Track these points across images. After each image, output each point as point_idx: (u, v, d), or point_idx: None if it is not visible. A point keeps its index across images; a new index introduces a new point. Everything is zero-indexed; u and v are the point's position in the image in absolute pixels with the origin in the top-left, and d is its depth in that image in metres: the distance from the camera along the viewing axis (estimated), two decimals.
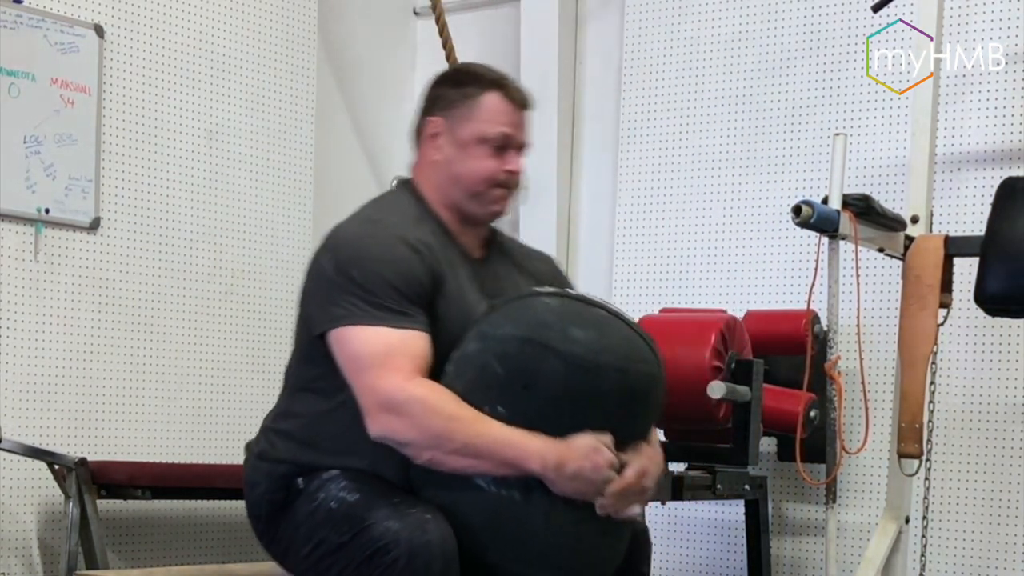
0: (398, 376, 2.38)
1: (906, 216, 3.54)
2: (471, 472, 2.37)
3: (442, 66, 4.72)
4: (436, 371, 2.44)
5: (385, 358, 2.39)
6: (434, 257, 2.50)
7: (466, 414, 2.36)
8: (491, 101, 2.58)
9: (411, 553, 2.28)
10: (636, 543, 2.58)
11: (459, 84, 2.62)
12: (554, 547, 2.39)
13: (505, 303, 2.49)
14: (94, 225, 4.08)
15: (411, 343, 2.42)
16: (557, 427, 2.35)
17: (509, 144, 2.59)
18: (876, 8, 3.70)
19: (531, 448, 2.34)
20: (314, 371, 2.54)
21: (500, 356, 2.39)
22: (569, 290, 2.54)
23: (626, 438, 2.41)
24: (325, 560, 2.42)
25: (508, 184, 2.60)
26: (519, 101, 2.62)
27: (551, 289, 2.53)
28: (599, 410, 2.38)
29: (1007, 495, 3.85)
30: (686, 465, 3.78)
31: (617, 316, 2.43)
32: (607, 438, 2.37)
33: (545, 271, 2.76)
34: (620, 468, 2.39)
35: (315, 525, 2.45)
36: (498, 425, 2.36)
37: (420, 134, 2.65)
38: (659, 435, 2.56)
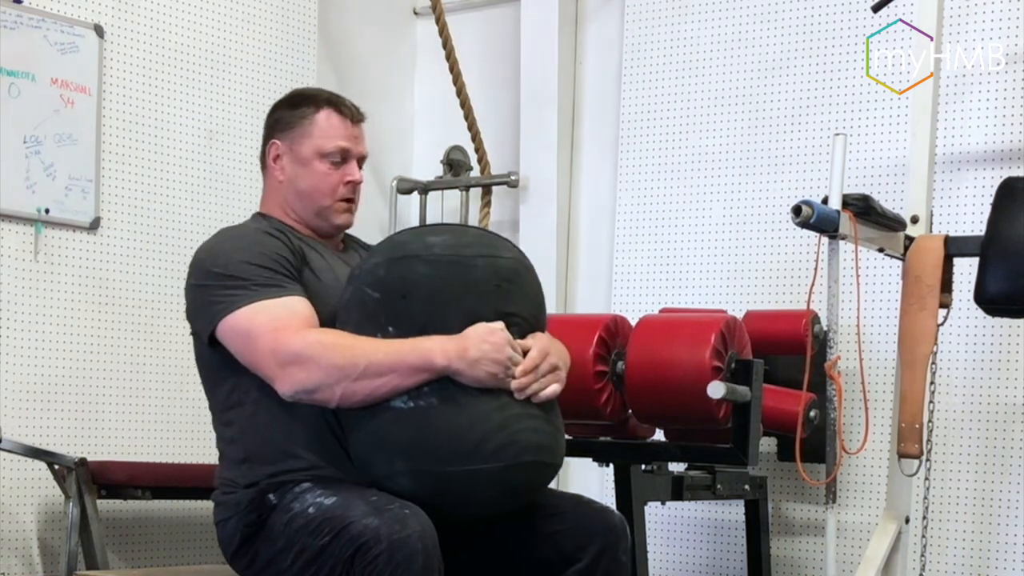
0: (289, 332, 2.48)
1: (906, 216, 3.54)
2: (384, 393, 2.44)
3: (442, 66, 4.74)
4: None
5: (273, 321, 2.49)
6: (292, 240, 2.64)
7: (360, 340, 2.47)
8: (325, 118, 2.75)
9: (392, 548, 2.30)
10: (614, 533, 2.61)
11: (295, 106, 2.78)
12: (487, 437, 2.45)
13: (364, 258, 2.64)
14: (94, 225, 4.08)
15: (293, 306, 2.53)
16: (447, 326, 2.47)
17: (348, 157, 2.76)
18: (876, 8, 3.70)
19: (431, 346, 2.44)
20: (224, 387, 2.62)
21: (372, 283, 2.51)
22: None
23: (519, 327, 2.53)
24: (310, 567, 2.44)
25: (350, 196, 2.77)
26: (352, 115, 2.79)
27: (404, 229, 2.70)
28: (480, 300, 2.50)
29: (1007, 495, 3.85)
30: (686, 465, 3.78)
31: (466, 225, 2.65)
32: (499, 324, 2.48)
33: None
34: (524, 354, 2.50)
35: (293, 533, 2.47)
36: (394, 341, 2.46)
37: (264, 160, 2.79)
38: (556, 341, 2.67)
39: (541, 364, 2.51)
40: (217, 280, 2.57)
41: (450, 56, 4.68)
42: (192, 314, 2.67)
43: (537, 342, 2.54)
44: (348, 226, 2.81)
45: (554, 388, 2.54)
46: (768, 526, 4.01)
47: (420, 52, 5.20)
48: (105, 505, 3.87)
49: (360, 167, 2.81)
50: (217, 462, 2.72)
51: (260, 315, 2.51)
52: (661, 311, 4.08)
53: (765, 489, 3.98)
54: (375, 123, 5.06)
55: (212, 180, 4.41)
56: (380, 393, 2.44)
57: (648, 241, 4.53)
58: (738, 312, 3.88)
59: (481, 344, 2.44)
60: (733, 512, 4.23)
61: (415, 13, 5.22)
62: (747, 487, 3.85)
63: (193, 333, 2.69)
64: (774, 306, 4.18)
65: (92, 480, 3.72)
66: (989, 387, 3.89)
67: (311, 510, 2.46)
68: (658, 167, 4.53)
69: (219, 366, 2.61)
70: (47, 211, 3.96)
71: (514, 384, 2.48)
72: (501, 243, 2.61)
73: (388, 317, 2.49)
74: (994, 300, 3.35)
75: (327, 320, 2.55)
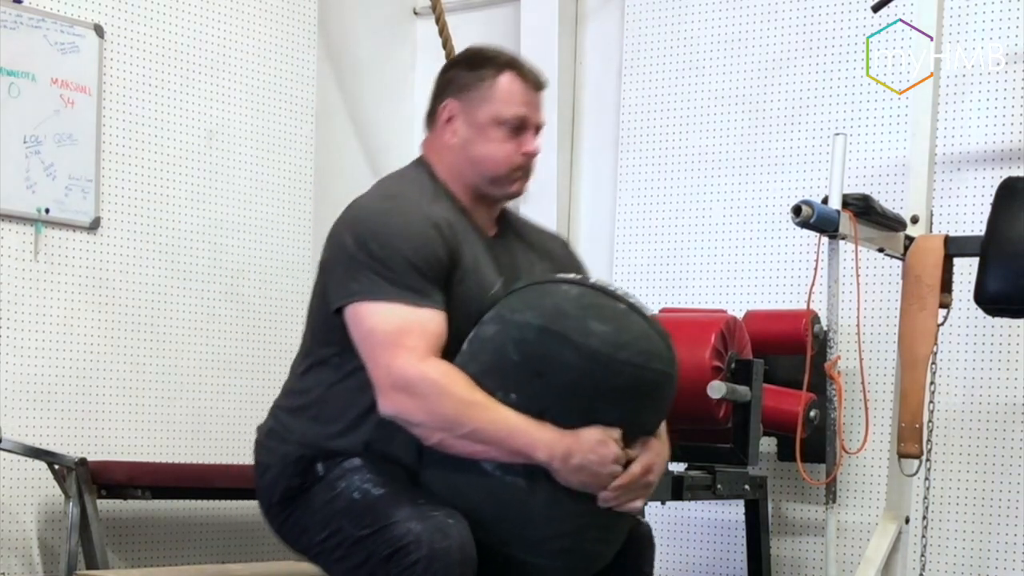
0: (412, 356, 2.37)
1: (906, 216, 3.54)
2: (479, 457, 2.37)
3: (442, 66, 4.74)
4: (452, 348, 2.44)
5: (400, 336, 2.38)
6: (452, 233, 2.49)
7: (478, 399, 2.36)
8: (506, 82, 2.57)
9: (431, 557, 2.27)
10: (640, 543, 2.59)
11: (473, 67, 2.60)
12: (552, 536, 2.40)
13: (525, 287, 2.49)
14: (94, 225, 4.08)
15: (427, 322, 2.41)
16: (567, 418, 2.36)
17: (525, 125, 2.58)
18: (876, 8, 3.70)
19: (540, 438, 2.34)
20: (330, 348, 2.53)
21: (517, 342, 2.38)
22: (590, 278, 2.52)
23: (635, 432, 2.42)
24: (340, 550, 2.41)
25: (525, 166, 2.60)
26: (534, 81, 2.60)
27: (572, 277, 2.51)
28: (611, 405, 2.38)
29: (1007, 495, 3.85)
30: (686, 465, 3.78)
31: (636, 310, 2.42)
32: (616, 432, 2.37)
33: (557, 251, 2.75)
34: (626, 463, 2.39)
35: (333, 513, 2.43)
36: (509, 412, 2.35)
37: (434, 118, 2.64)
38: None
39: (639, 480, 2.42)
40: (369, 258, 2.43)
41: (450, 56, 4.67)
42: (327, 273, 2.54)
43: (644, 456, 2.42)
44: (519, 195, 2.65)
45: (638, 504, 2.47)
46: (768, 526, 4.01)
47: (420, 52, 5.20)
48: (105, 505, 3.86)
49: (537, 136, 2.61)
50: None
51: (390, 319, 2.40)
52: (661, 311, 4.08)
53: (765, 489, 3.98)
54: (375, 123, 5.11)
55: (212, 180, 4.41)
56: (475, 456, 2.38)
57: (648, 241, 4.53)
58: (738, 312, 3.89)
59: (588, 454, 2.34)
60: (733, 512, 4.23)
61: (415, 13, 5.22)
62: (747, 487, 3.85)
63: (319, 287, 2.58)
64: (774, 306, 4.18)
65: (92, 480, 3.71)
66: (989, 387, 3.89)
67: (356, 495, 2.42)
68: (658, 167, 4.53)
69: (337, 328, 2.49)
70: (47, 211, 3.96)
71: (603, 495, 2.39)
72: (659, 349, 2.42)
73: (516, 384, 2.38)
74: (994, 300, 3.35)
75: (459, 326, 2.45)
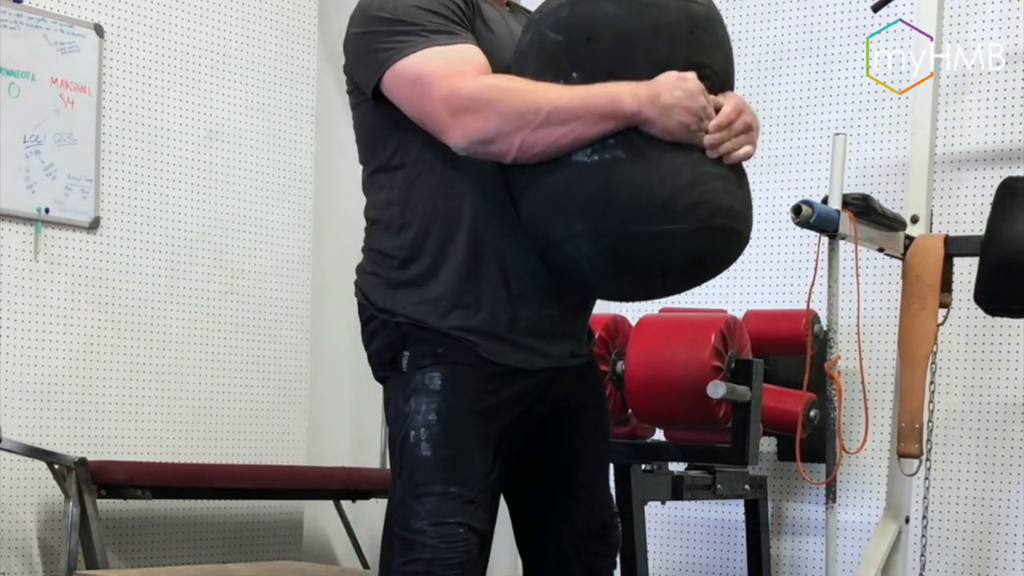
0: (464, 77, 2.25)
1: (906, 216, 3.54)
2: (567, 144, 2.22)
3: None
4: None
5: (446, 67, 2.26)
6: None
7: (542, 85, 2.24)
8: None
9: (431, 561, 2.28)
10: (607, 526, 2.54)
11: None
12: (675, 192, 2.22)
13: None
14: (94, 225, 4.08)
15: (468, 53, 2.30)
16: (636, 71, 2.22)
17: None
18: (876, 8, 3.70)
19: (621, 90, 2.20)
20: (389, 149, 2.41)
21: (554, 25, 2.25)
22: None
23: (710, 81, 2.28)
24: (395, 466, 2.37)
25: None
26: None
27: None
28: (671, 45, 2.24)
29: (1007, 495, 3.85)
30: (686, 465, 3.78)
31: None
32: (691, 73, 2.24)
33: None
34: (716, 110, 2.27)
35: (395, 427, 2.37)
36: (579, 87, 2.22)
37: None
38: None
39: (736, 121, 2.28)
40: (384, 25, 2.32)
41: None
42: (354, 64, 2.41)
43: (731, 99, 2.29)
44: None
45: (748, 149, 2.33)
46: (768, 526, 4.01)
47: None
48: (105, 505, 3.86)
49: None
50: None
51: (432, 60, 2.26)
52: (661, 311, 4.08)
53: (765, 489, 3.98)
54: None
55: (212, 180, 4.41)
56: (563, 143, 2.22)
57: None
58: (738, 312, 3.88)
59: (674, 91, 2.20)
60: (733, 512, 4.23)
61: None
62: (747, 487, 3.85)
63: (352, 90, 2.45)
64: (774, 306, 4.18)
65: (92, 480, 3.71)
66: (989, 387, 3.89)
67: (412, 435, 2.32)
68: None
69: (384, 124, 2.38)
70: (47, 211, 3.96)
71: (707, 139, 2.24)
72: None
73: (571, 61, 2.23)
74: (994, 300, 3.35)
75: (501, 72, 2.31)
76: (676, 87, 2.20)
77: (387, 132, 2.39)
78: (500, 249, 2.36)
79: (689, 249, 2.26)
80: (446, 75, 2.25)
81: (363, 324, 2.46)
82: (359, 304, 2.46)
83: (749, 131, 2.32)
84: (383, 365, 2.42)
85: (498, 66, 2.31)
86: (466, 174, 2.33)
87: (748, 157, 2.35)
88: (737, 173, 2.35)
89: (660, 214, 2.20)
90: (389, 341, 2.40)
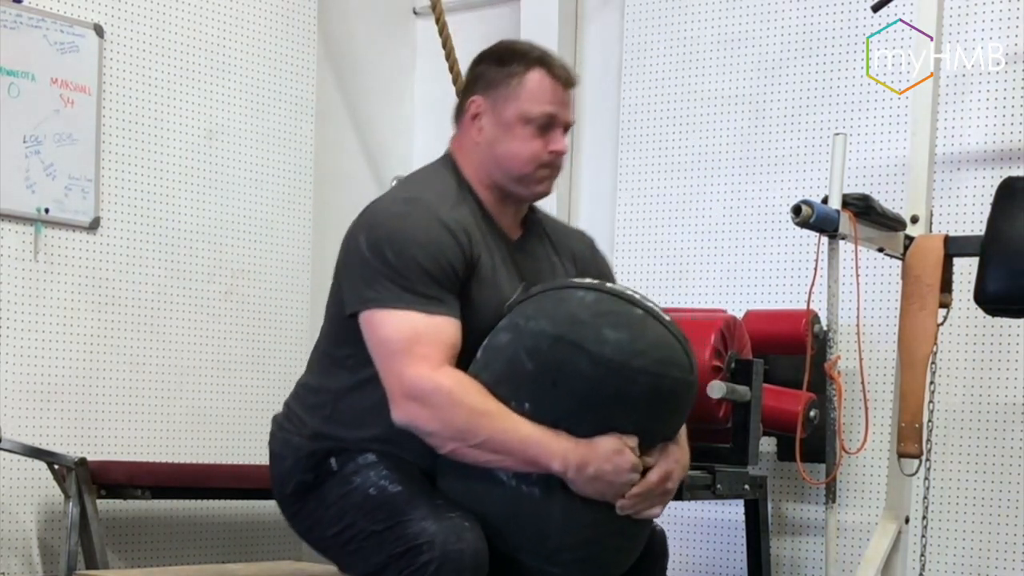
0: (425, 365, 2.35)
1: (906, 216, 3.54)
2: (493, 466, 2.35)
3: (442, 66, 4.74)
4: (467, 355, 2.42)
5: (413, 344, 2.36)
6: (471, 240, 2.46)
7: (491, 408, 2.34)
8: (535, 80, 2.51)
9: (443, 559, 2.27)
10: (653, 550, 2.56)
11: (502, 62, 2.55)
12: (570, 545, 2.37)
13: (541, 292, 2.45)
14: (94, 225, 4.08)
15: (441, 330, 2.38)
16: (582, 427, 2.33)
17: (553, 123, 2.53)
18: (876, 8, 3.70)
19: (554, 448, 2.31)
20: (344, 349, 2.51)
21: (530, 351, 2.35)
22: (605, 283, 2.47)
23: (653, 439, 2.40)
24: (353, 543, 2.41)
25: (553, 164, 2.55)
26: (564, 79, 2.55)
27: (588, 281, 2.47)
28: (627, 413, 2.35)
29: (1007, 495, 3.85)
30: None
31: (653, 315, 2.37)
32: (632, 440, 2.35)
33: (581, 250, 2.73)
34: (644, 470, 2.37)
35: (347, 508, 2.43)
36: (523, 422, 2.33)
37: (462, 113, 2.60)
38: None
39: (656, 488, 2.40)
40: (384, 266, 2.40)
41: (450, 56, 4.67)
42: (345, 274, 2.49)
43: (662, 463, 2.40)
44: (546, 195, 2.60)
45: (657, 511, 2.44)
46: (768, 526, 4.01)
47: (420, 52, 5.20)
48: (105, 505, 3.86)
49: (565, 134, 2.56)
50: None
51: (405, 327, 2.36)
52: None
53: (765, 489, 3.98)
54: (375, 122, 5.11)
55: (212, 180, 4.41)
56: (489, 465, 2.36)
57: (648, 241, 4.53)
58: (738, 312, 3.89)
59: (604, 463, 2.31)
60: (733, 512, 4.23)
61: (415, 13, 5.22)
62: (747, 487, 3.85)
63: (335, 289, 2.55)
64: (774, 306, 4.18)
65: (92, 480, 3.71)
66: (989, 387, 3.89)
67: (372, 491, 2.41)
68: (658, 166, 4.53)
69: (352, 330, 2.46)
70: (47, 211, 3.96)
71: (620, 503, 2.37)
72: (676, 355, 2.38)
73: (529, 394, 2.35)
74: (994, 300, 3.35)
75: (475, 335, 2.42)
76: (607, 460, 2.32)
77: (351, 339, 2.48)
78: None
79: None
80: (408, 353, 2.36)
81: (279, 460, 2.57)
82: (272, 451, 2.58)
83: (666, 495, 2.43)
84: (309, 484, 2.51)
85: (475, 328, 2.42)
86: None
87: (656, 516, 2.47)
88: (639, 523, 2.46)
89: (547, 558, 2.39)
90: (313, 452, 2.51)
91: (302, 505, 2.54)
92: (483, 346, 2.43)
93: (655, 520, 2.57)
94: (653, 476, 2.38)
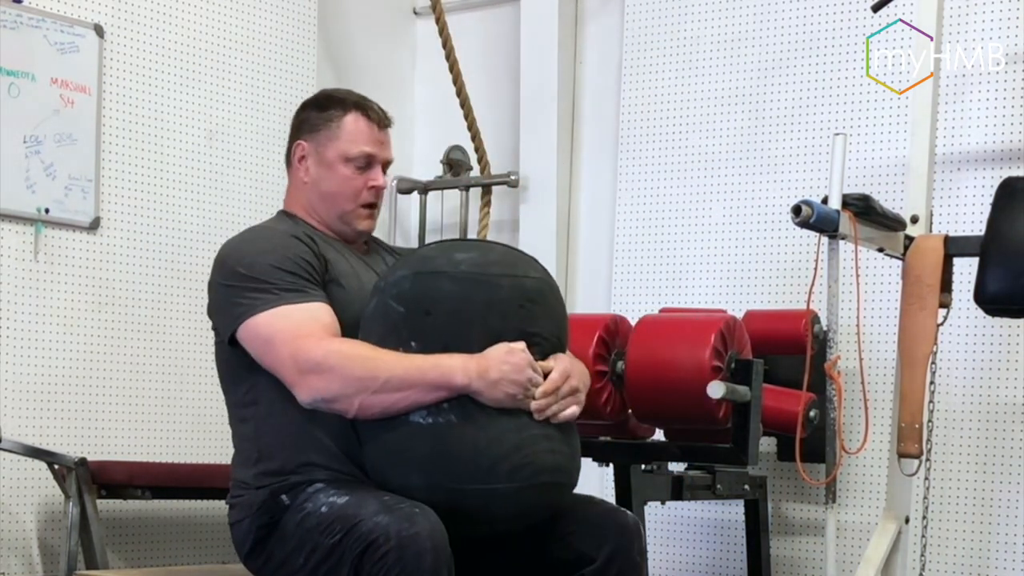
0: (312, 340, 2.48)
1: (906, 216, 3.54)
2: (402, 407, 2.44)
3: (442, 66, 4.74)
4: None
5: (296, 327, 2.50)
6: (315, 242, 2.64)
7: (382, 353, 2.47)
8: (352, 121, 2.74)
9: (401, 545, 2.30)
10: (627, 533, 2.59)
11: (322, 107, 2.78)
12: (502, 455, 2.45)
13: (392, 265, 2.66)
14: (94, 225, 4.08)
15: (316, 313, 2.54)
16: (470, 345, 2.47)
17: (372, 162, 2.75)
18: (876, 8, 3.70)
19: (452, 364, 2.44)
20: (242, 387, 2.63)
21: (397, 296, 2.51)
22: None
23: (541, 347, 2.53)
24: (322, 566, 2.45)
25: (373, 201, 2.76)
26: (378, 120, 2.77)
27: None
28: (502, 318, 2.50)
29: (1007, 495, 3.85)
30: (686, 465, 3.78)
31: (494, 243, 2.63)
32: (520, 344, 2.48)
33: None
34: (545, 376, 2.50)
35: (305, 533, 2.48)
36: (416, 355, 2.46)
37: (289, 159, 2.82)
38: (577, 360, 2.68)
39: (562, 386, 2.52)
40: (241, 281, 2.57)
41: (450, 56, 4.68)
42: (213, 311, 2.67)
43: (559, 364, 2.54)
44: (369, 231, 2.82)
45: (573, 410, 2.55)
46: (768, 526, 4.01)
47: (420, 52, 5.20)
48: (105, 505, 3.87)
49: (384, 172, 2.80)
50: (230, 462, 2.73)
51: (282, 321, 2.51)
52: (661, 311, 4.08)
53: (765, 489, 3.98)
54: None
55: (212, 180, 4.41)
56: (399, 407, 2.45)
57: (648, 241, 4.53)
58: (738, 312, 3.88)
59: (501, 365, 2.44)
60: (733, 512, 4.23)
61: (415, 13, 5.22)
62: (747, 487, 3.85)
63: (214, 329, 2.69)
64: (774, 306, 4.18)
65: (92, 480, 3.72)
66: (989, 387, 3.89)
67: (323, 509, 2.46)
68: (658, 167, 4.53)
69: (237, 365, 2.62)
70: (47, 211, 3.96)
71: (533, 405, 2.48)
72: (527, 262, 2.59)
73: (411, 332, 2.49)
74: (994, 300, 3.35)
75: (350, 327, 2.55)
76: (503, 361, 2.45)
77: (242, 373, 2.61)
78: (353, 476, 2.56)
79: (513, 505, 2.48)
80: (294, 336, 2.49)
81: (237, 520, 2.64)
82: (231, 527, 2.67)
83: (575, 393, 2.55)
84: (265, 532, 2.57)
85: (347, 319, 2.56)
86: (316, 416, 2.54)
87: (574, 417, 2.57)
88: (563, 430, 2.56)
89: (486, 476, 2.44)
90: (265, 504, 2.58)
91: (268, 555, 2.59)
92: (361, 324, 2.56)
93: (626, 512, 2.66)
94: (555, 374, 2.51)
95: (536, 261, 2.62)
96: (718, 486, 3.70)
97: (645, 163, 4.56)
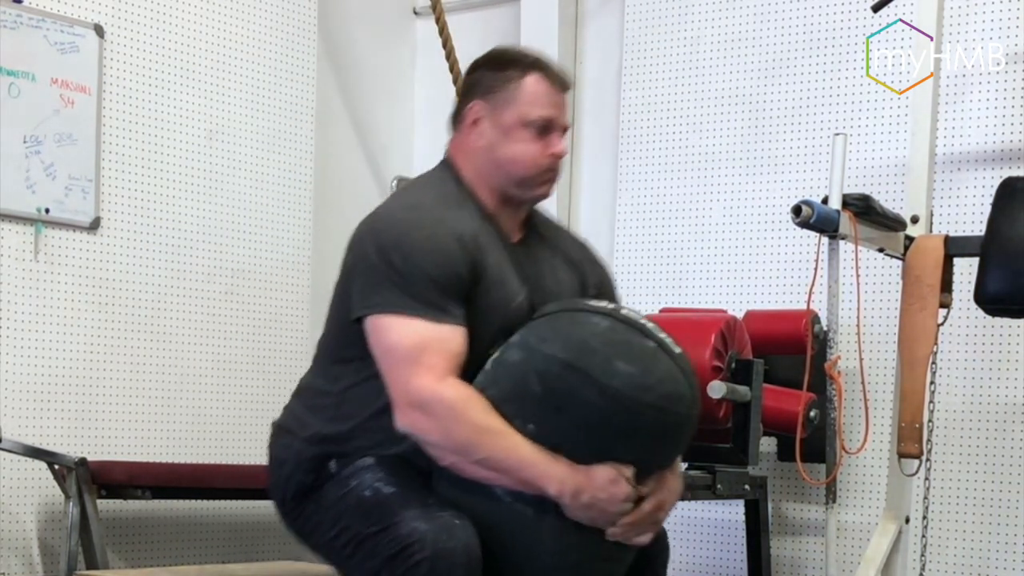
0: (430, 376, 2.37)
1: (906, 216, 3.54)
2: (490, 483, 2.38)
3: (442, 66, 4.74)
4: (473, 362, 2.44)
5: (419, 354, 2.38)
6: (475, 245, 2.48)
7: (493, 426, 2.36)
8: (532, 83, 2.55)
9: (435, 557, 2.28)
10: (656, 546, 2.57)
11: (499, 67, 2.59)
12: (558, 566, 2.40)
13: (555, 312, 2.48)
14: (94, 225, 4.08)
15: (447, 339, 2.40)
16: (582, 454, 2.36)
17: (551, 127, 2.56)
18: (876, 8, 3.70)
19: (552, 472, 2.34)
20: (349, 350, 2.51)
21: (540, 374, 2.37)
22: (620, 309, 2.47)
23: (650, 469, 2.42)
24: (349, 547, 2.42)
25: (553, 168, 2.59)
26: (560, 82, 2.59)
27: (603, 306, 2.48)
28: (629, 445, 2.37)
29: (1007, 495, 3.85)
30: (686, 465, 3.78)
31: (664, 348, 2.39)
32: (628, 471, 2.37)
33: (580, 258, 2.74)
34: (638, 499, 2.39)
35: (344, 510, 2.44)
36: (524, 443, 2.35)
37: (460, 119, 2.62)
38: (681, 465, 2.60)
39: (648, 517, 2.43)
40: (391, 271, 2.41)
41: (450, 56, 4.67)
42: (351, 279, 2.50)
43: (656, 494, 2.43)
44: (546, 198, 2.64)
45: (646, 538, 2.46)
46: (768, 526, 4.01)
47: (420, 52, 5.20)
48: (105, 505, 3.86)
49: (563, 137, 2.59)
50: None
51: (409, 335, 2.39)
52: (661, 311, 4.08)
53: (765, 489, 3.98)
54: (375, 123, 5.11)
55: (212, 180, 4.41)
56: (486, 482, 2.38)
57: (648, 241, 4.53)
58: (738, 312, 3.89)
59: (599, 492, 2.34)
60: (733, 512, 4.23)
61: (415, 13, 5.22)
62: (747, 487, 3.85)
63: (340, 290, 2.55)
64: (774, 306, 4.18)
65: (92, 480, 3.71)
66: (989, 387, 3.89)
67: (367, 493, 2.42)
68: (658, 167, 4.53)
69: (354, 334, 2.48)
70: (47, 211, 3.96)
71: (611, 530, 2.40)
72: (683, 391, 2.40)
73: (534, 416, 2.37)
74: (994, 300, 3.35)
75: (482, 339, 2.44)
76: (603, 489, 2.35)
77: (357, 341, 2.48)
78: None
79: None
80: (414, 361, 2.38)
81: (279, 466, 2.57)
82: (272, 456, 2.59)
83: (657, 524, 2.47)
84: (308, 485, 2.52)
85: (482, 334, 2.44)
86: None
87: (644, 544, 2.47)
88: (627, 548, 2.47)
89: None
90: (314, 457, 2.52)
91: (302, 509, 2.55)
92: (493, 359, 2.44)
93: None
94: (647, 506, 2.41)
95: (693, 381, 2.42)
96: (718, 486, 3.70)
97: (645, 163, 4.56)
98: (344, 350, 2.54)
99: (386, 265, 2.42)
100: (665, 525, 2.57)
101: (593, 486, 2.34)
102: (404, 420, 2.39)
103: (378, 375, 2.44)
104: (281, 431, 2.61)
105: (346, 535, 2.43)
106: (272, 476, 2.60)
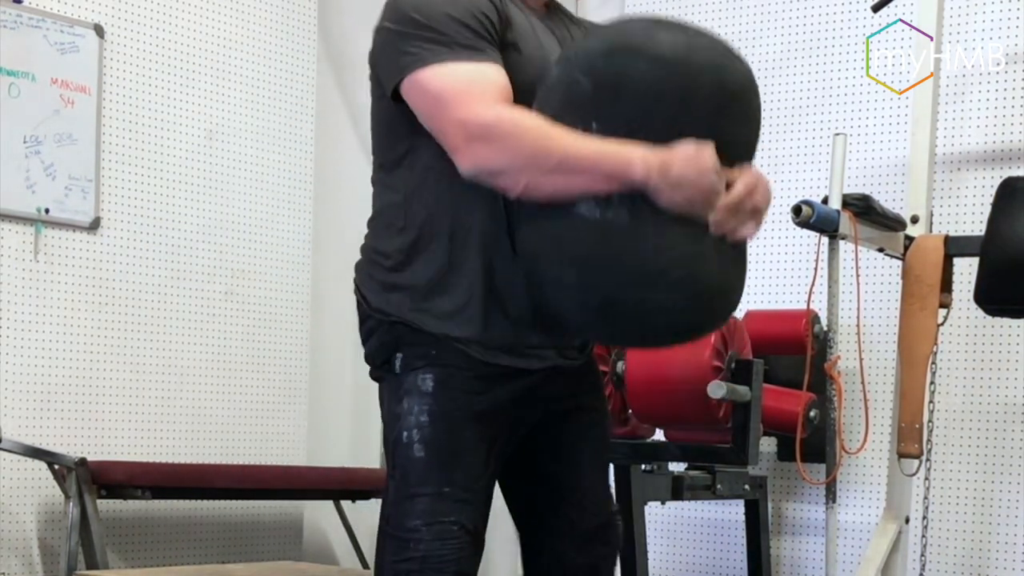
0: (482, 104, 2.23)
1: (906, 216, 3.54)
2: (571, 192, 2.21)
3: None
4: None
5: (467, 87, 2.24)
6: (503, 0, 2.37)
7: (559, 131, 2.21)
8: None
9: (425, 558, 2.29)
10: (609, 537, 2.54)
11: None
12: (672, 263, 2.21)
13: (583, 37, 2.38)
14: (94, 225, 4.08)
15: (489, 75, 2.27)
16: (655, 134, 2.20)
17: None
18: (876, 8, 3.70)
19: (633, 155, 2.17)
20: (400, 146, 2.42)
21: (586, 70, 2.23)
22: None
23: (729, 153, 2.26)
24: (390, 466, 2.38)
25: None
26: None
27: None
28: (695, 115, 2.23)
29: (1007, 495, 3.85)
30: (686, 465, 3.78)
31: (703, 31, 2.30)
32: (709, 146, 2.21)
33: None
34: (728, 186, 2.24)
35: (391, 434, 2.37)
36: (594, 139, 2.20)
37: None
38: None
39: (744, 201, 2.24)
40: (414, 27, 2.30)
41: None
42: (378, 58, 2.43)
43: (745, 176, 2.26)
44: None
45: (751, 230, 2.28)
46: (768, 526, 4.01)
47: None
48: (105, 505, 3.86)
49: None
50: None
51: (453, 78, 2.24)
52: None
53: (765, 489, 3.98)
54: None
55: (212, 180, 4.41)
56: (567, 192, 2.20)
57: None
58: (738, 312, 3.88)
59: (686, 165, 2.16)
60: (733, 512, 4.23)
61: None
62: (747, 487, 3.85)
63: (374, 79, 2.47)
64: (774, 306, 4.18)
65: (92, 480, 3.71)
66: (989, 387, 3.89)
67: (404, 437, 2.33)
68: None
69: (398, 123, 2.39)
70: (47, 211, 3.96)
71: (712, 218, 2.20)
72: (734, 53, 2.31)
73: (595, 112, 2.20)
74: (994, 300, 3.35)
75: (523, 95, 2.29)
76: (689, 162, 2.17)
77: (402, 132, 2.38)
78: (498, 269, 2.35)
79: (671, 322, 2.26)
80: (465, 97, 2.23)
81: (360, 322, 2.46)
82: (357, 301, 2.46)
83: (756, 212, 2.28)
84: (377, 366, 2.42)
85: (522, 86, 2.29)
86: (474, 190, 2.30)
87: (750, 237, 2.31)
88: (736, 251, 2.30)
89: (650, 284, 2.20)
90: (383, 342, 2.40)
91: (379, 381, 2.45)
92: (538, 93, 2.31)
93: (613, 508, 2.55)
94: (739, 187, 2.24)
95: (740, 55, 2.34)
96: (718, 486, 3.70)
97: None
98: (395, 148, 2.44)
99: (408, 24, 2.32)
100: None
101: (678, 159, 2.17)
102: (467, 158, 2.23)
103: (433, 164, 2.34)
104: (358, 291, 2.47)
105: (389, 460, 2.38)
106: (359, 320, 2.48)
